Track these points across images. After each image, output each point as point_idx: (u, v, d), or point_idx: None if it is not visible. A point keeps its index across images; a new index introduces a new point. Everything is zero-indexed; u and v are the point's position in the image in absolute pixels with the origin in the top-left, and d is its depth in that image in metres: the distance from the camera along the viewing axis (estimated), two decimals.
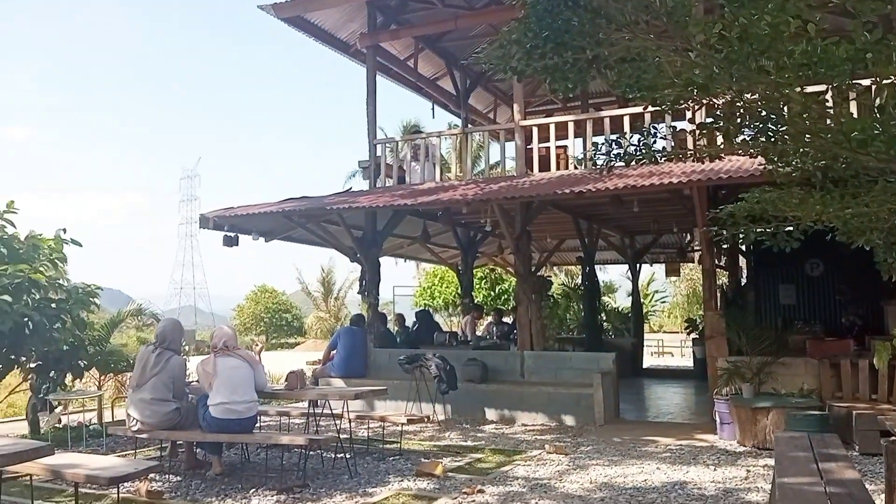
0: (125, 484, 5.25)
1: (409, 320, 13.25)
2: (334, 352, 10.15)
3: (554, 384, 8.87)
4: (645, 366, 15.40)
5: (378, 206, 9.37)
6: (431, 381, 8.71)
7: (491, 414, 9.00)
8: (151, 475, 5.78)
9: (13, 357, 8.11)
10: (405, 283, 27.08)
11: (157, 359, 6.01)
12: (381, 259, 11.08)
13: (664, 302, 31.31)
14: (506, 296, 21.24)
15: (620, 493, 5.26)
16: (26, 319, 7.65)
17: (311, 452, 6.44)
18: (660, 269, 19.44)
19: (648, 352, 19.09)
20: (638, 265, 15.66)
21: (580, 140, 10.37)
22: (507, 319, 13.93)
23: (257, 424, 6.48)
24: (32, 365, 8.31)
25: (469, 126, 13.40)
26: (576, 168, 10.14)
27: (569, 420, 8.53)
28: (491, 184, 9.93)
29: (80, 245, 8.92)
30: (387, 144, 11.71)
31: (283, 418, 8.16)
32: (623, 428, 8.15)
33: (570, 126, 10.16)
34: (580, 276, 16.81)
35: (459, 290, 15.63)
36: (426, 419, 8.32)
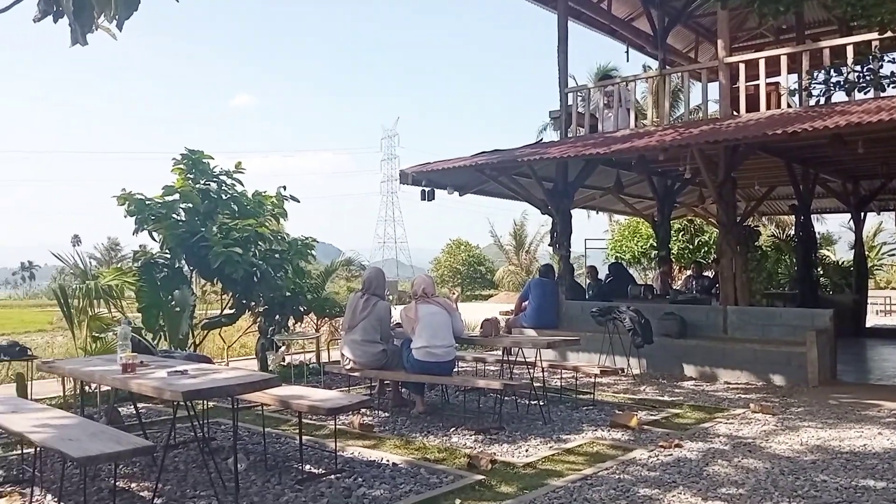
0: (341, 417, 5.80)
1: (602, 273, 13.05)
2: (526, 303, 10.29)
3: (761, 341, 8.33)
4: (869, 325, 13.92)
5: (569, 156, 9.23)
6: (625, 335, 8.56)
7: (689, 370, 8.69)
8: (363, 410, 6.30)
9: (244, 302, 9.16)
10: (597, 235, 26.63)
11: (364, 304, 6.49)
12: (572, 211, 10.97)
13: (893, 255, 27.91)
14: (706, 248, 20.11)
15: (835, 456, 4.87)
16: (254, 269, 8.58)
17: (506, 398, 6.64)
18: (889, 217, 17.32)
19: (873, 310, 17.20)
20: (862, 214, 14.03)
21: (794, 76, 9.42)
22: (708, 273, 13.22)
23: (455, 369, 6.79)
24: (260, 309, 9.34)
25: (667, 67, 12.67)
26: (789, 106, 9.27)
27: (777, 379, 8.00)
28: (691, 128, 9.38)
29: (298, 201, 9.80)
30: (578, 93, 11.44)
31: (478, 364, 8.48)
32: (840, 389, 7.49)
33: (783, 60, 9.26)
34: (793, 227, 15.46)
35: (654, 243, 15.06)
36: (620, 372, 8.22)
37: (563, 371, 7.85)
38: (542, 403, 6.49)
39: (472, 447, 5.24)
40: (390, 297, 10.00)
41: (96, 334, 7.62)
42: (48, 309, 26.70)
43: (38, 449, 4.13)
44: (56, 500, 4.00)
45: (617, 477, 4.43)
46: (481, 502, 4.01)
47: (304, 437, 4.92)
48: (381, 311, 6.50)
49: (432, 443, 5.38)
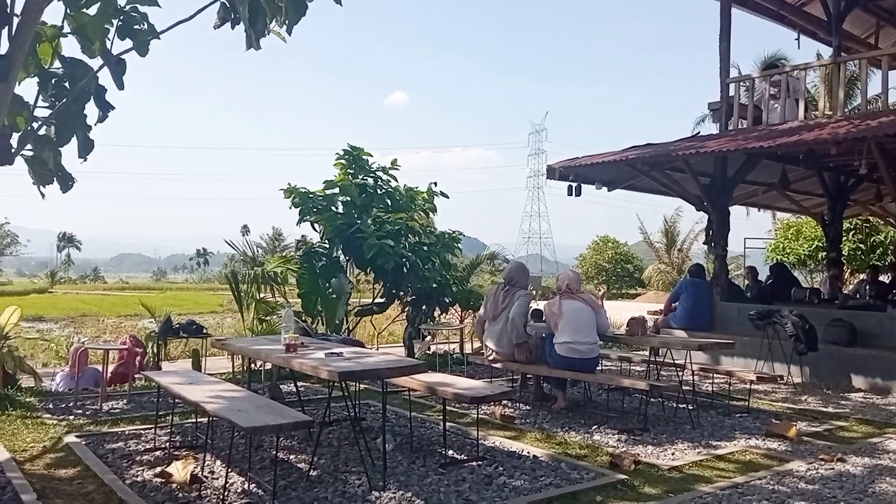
0: (483, 406, 5.91)
1: (762, 275, 12.29)
2: (676, 303, 9.93)
3: None
4: None
5: (729, 149, 8.78)
6: (786, 340, 8.03)
7: (858, 381, 8.00)
8: (504, 401, 6.38)
9: (394, 291, 9.55)
10: (758, 234, 25.09)
11: (505, 294, 6.54)
12: (730, 208, 10.43)
13: None
14: (881, 249, 18.35)
15: None
16: (404, 260, 8.93)
17: (652, 399, 6.45)
18: None
19: None
20: None
21: None
22: (884, 278, 12.08)
23: (598, 367, 6.69)
24: (408, 299, 9.69)
25: (842, 54, 11.67)
26: None
27: None
28: (868, 119, 8.61)
29: (447, 197, 10.07)
30: (741, 83, 10.83)
31: (623, 364, 8.31)
32: None
33: None
34: None
35: (821, 244, 13.95)
36: (778, 379, 7.71)
37: (716, 375, 7.50)
38: (691, 407, 6.25)
39: (614, 446, 5.16)
40: (533, 291, 10.00)
41: (262, 317, 8.25)
42: (219, 293, 29.19)
43: (210, 418, 4.55)
44: (225, 465, 4.38)
45: (771, 487, 4.20)
46: (624, 502, 3.95)
47: (447, 424, 5.06)
48: (520, 300, 6.49)
49: (573, 439, 5.35)
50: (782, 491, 4.14)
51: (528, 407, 6.53)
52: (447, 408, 5.28)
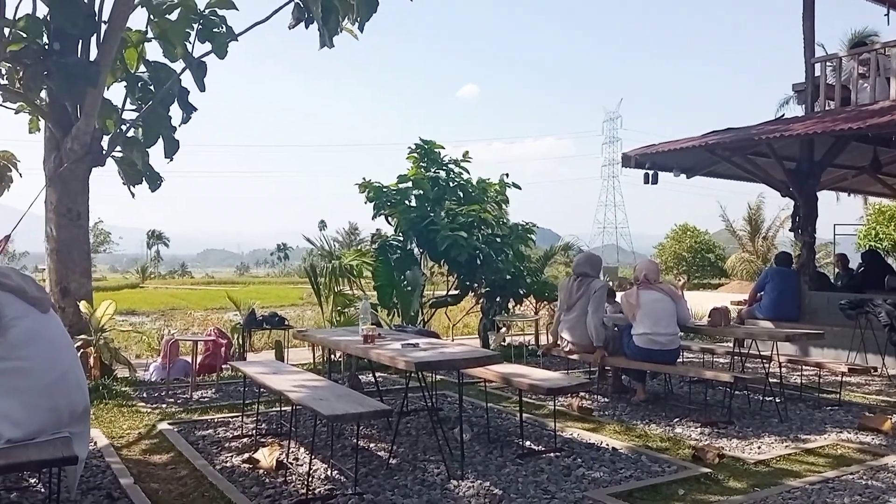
0: (560, 398, 5.87)
1: (853, 263, 11.70)
2: (761, 293, 9.58)
3: None
4: None
5: (815, 132, 8.38)
6: (880, 331, 7.63)
7: None
8: (582, 393, 6.31)
9: (468, 283, 9.58)
10: (848, 220, 23.91)
11: (578, 285, 6.45)
12: (818, 193, 9.97)
13: None
14: None
15: None
16: (478, 252, 8.95)
17: (737, 392, 6.26)
18: None
19: None
20: None
21: None
22: None
23: (679, 359, 6.53)
24: (482, 291, 9.70)
25: None
26: None
27: None
28: None
29: (520, 188, 10.03)
30: (827, 62, 10.32)
31: (706, 355, 8.09)
32: None
33: None
34: None
35: None
36: (872, 371, 7.34)
37: (805, 367, 7.21)
38: (778, 400, 6.02)
39: (697, 439, 5.03)
40: (609, 282, 9.86)
41: (340, 308, 8.44)
42: (299, 286, 29.98)
43: (294, 407, 4.69)
44: (308, 452, 4.51)
45: (864, 483, 4.01)
46: (707, 496, 3.85)
47: (523, 415, 5.05)
48: (596, 288, 6.40)
49: (654, 431, 5.25)
50: (876, 486, 3.95)
51: (606, 399, 6.45)
52: (523, 399, 5.27)
